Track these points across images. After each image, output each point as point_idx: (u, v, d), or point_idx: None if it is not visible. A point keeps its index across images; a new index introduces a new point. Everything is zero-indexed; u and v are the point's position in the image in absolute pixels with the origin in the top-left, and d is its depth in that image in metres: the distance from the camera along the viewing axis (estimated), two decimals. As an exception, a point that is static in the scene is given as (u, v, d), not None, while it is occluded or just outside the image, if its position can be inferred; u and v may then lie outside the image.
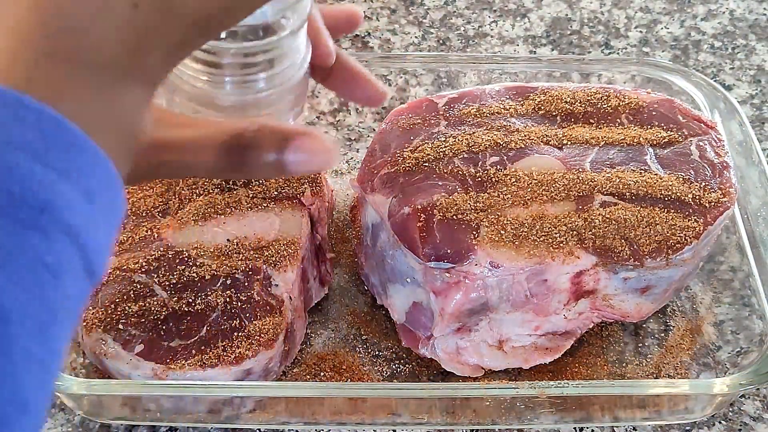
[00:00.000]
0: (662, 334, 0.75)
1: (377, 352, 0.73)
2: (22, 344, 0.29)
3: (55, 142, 0.31)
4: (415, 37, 0.98)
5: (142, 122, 0.37)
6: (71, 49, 0.33)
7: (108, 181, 0.33)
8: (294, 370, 0.72)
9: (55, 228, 0.30)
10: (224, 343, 0.66)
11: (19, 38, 0.32)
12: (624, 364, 0.73)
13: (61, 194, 0.30)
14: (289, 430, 0.69)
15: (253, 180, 0.75)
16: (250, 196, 0.73)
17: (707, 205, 0.69)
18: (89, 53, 0.33)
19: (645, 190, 0.69)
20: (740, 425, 0.70)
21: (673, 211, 0.69)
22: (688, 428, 0.70)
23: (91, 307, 0.67)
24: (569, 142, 0.73)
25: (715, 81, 0.87)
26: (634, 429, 0.70)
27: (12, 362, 0.29)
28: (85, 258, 0.32)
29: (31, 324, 0.30)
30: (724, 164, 0.72)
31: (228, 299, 0.67)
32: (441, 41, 0.98)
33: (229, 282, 0.68)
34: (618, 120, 0.75)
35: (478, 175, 0.70)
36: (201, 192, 0.74)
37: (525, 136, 0.73)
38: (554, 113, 0.75)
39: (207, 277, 0.69)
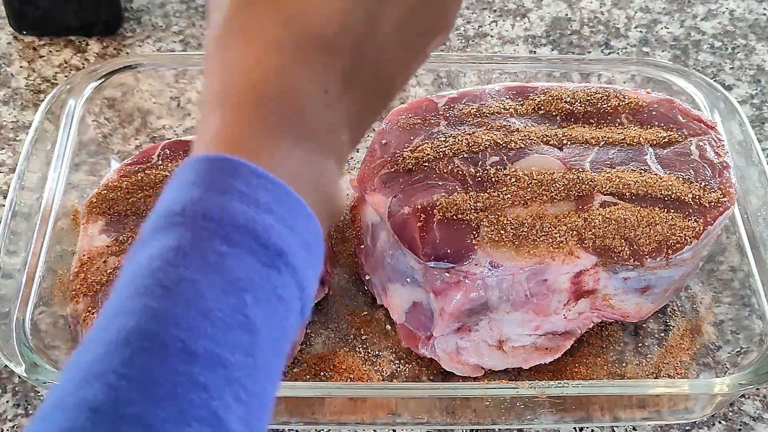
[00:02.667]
0: (662, 334, 0.75)
1: (377, 352, 0.73)
2: (264, 353, 0.38)
3: (286, 205, 0.40)
4: (415, 37, 0.98)
5: (338, 194, 0.45)
6: (286, 128, 0.42)
7: (318, 239, 0.42)
8: (294, 370, 0.72)
9: (286, 269, 0.39)
10: (224, 343, 0.66)
11: (244, 117, 0.41)
12: (624, 364, 0.73)
13: (290, 244, 0.39)
14: (289, 430, 0.69)
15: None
16: (250, 196, 0.73)
17: (707, 205, 0.69)
18: (300, 132, 0.42)
19: (645, 190, 0.69)
20: (740, 425, 0.70)
21: (673, 211, 0.68)
22: (688, 428, 0.70)
23: (91, 307, 0.67)
24: (569, 142, 0.73)
25: (715, 81, 0.87)
26: (634, 429, 0.70)
27: (257, 367, 0.37)
28: (302, 298, 0.40)
29: (270, 340, 0.38)
30: (724, 164, 0.72)
31: (228, 299, 0.67)
32: (441, 41, 0.98)
33: (229, 282, 0.68)
34: (618, 120, 0.75)
35: (478, 175, 0.70)
36: (201, 192, 0.74)
37: (525, 136, 0.73)
38: (554, 113, 0.75)
39: (207, 277, 0.68)
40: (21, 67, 0.94)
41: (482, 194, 0.69)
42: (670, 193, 0.69)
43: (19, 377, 0.71)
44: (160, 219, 0.39)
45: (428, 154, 0.71)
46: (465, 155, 0.71)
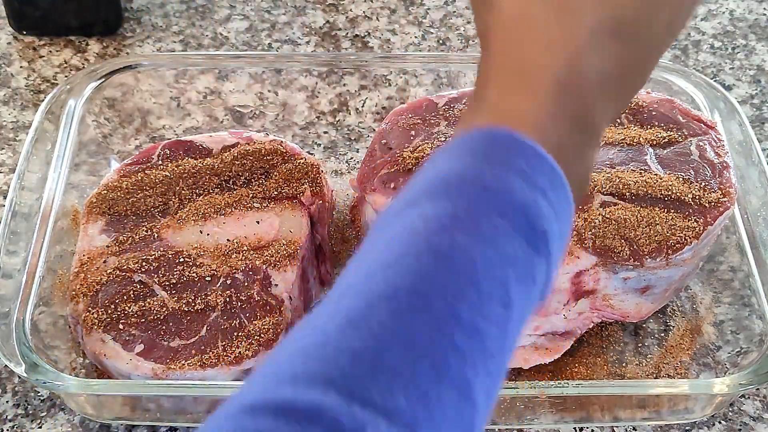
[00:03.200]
0: (662, 334, 0.75)
1: (377, 352, 0.73)
2: (512, 330, 0.39)
3: (557, 192, 0.40)
4: (415, 37, 0.98)
5: (587, 182, 0.45)
6: (575, 116, 0.42)
7: (569, 229, 0.42)
8: (294, 370, 0.71)
9: (544, 253, 0.40)
10: (224, 343, 0.66)
11: (541, 99, 0.41)
12: (624, 364, 0.73)
13: (552, 229, 0.40)
14: (289, 430, 0.69)
15: (253, 180, 0.75)
16: (250, 196, 0.73)
17: (707, 205, 0.69)
18: (585, 122, 0.42)
19: (645, 190, 0.69)
20: (740, 425, 0.70)
21: (673, 211, 0.68)
22: (688, 428, 0.70)
23: (91, 307, 0.67)
24: (569, 142, 0.73)
25: (715, 81, 0.87)
26: (634, 429, 0.70)
27: (505, 342, 0.38)
28: (547, 283, 0.41)
29: (518, 318, 0.39)
30: (724, 164, 0.72)
31: (228, 299, 0.67)
32: (441, 41, 0.98)
33: (229, 282, 0.68)
34: (618, 120, 0.75)
35: (478, 175, 0.70)
36: (201, 192, 0.74)
37: (525, 136, 0.73)
38: (554, 113, 0.75)
39: (207, 277, 0.69)
40: (21, 67, 0.94)
41: (482, 194, 0.68)
42: (670, 193, 0.69)
43: (19, 377, 0.71)
44: (435, 183, 0.40)
45: (428, 154, 0.71)
46: (465, 155, 0.71)
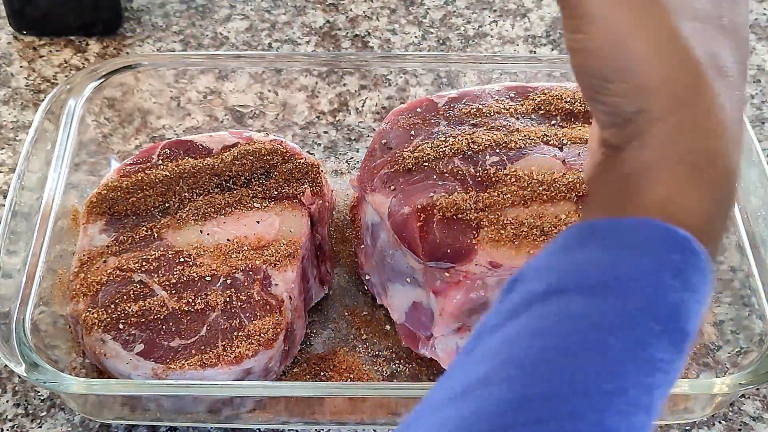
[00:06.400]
0: (662, 334, 0.75)
1: (377, 352, 0.73)
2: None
3: (706, 285, 0.40)
4: (415, 37, 0.98)
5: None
6: (727, 202, 0.42)
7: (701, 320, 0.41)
8: (294, 370, 0.72)
9: (685, 354, 0.39)
10: (224, 342, 0.66)
11: (716, 202, 0.41)
12: (624, 364, 0.72)
13: (695, 325, 0.39)
14: (289, 430, 0.69)
15: (253, 180, 0.75)
16: (250, 196, 0.73)
17: (707, 205, 0.69)
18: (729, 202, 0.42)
19: (645, 190, 0.69)
20: (740, 425, 0.70)
21: (673, 211, 0.68)
22: (688, 428, 0.70)
23: (91, 307, 0.67)
24: (569, 142, 0.73)
25: (715, 81, 0.87)
26: (634, 429, 0.70)
27: None
28: (676, 380, 0.39)
29: (653, 420, 0.37)
30: (724, 164, 0.72)
31: (228, 299, 0.67)
32: (441, 41, 0.98)
33: (229, 282, 0.68)
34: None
35: (478, 174, 0.70)
36: (201, 192, 0.74)
37: (525, 135, 0.73)
38: (554, 113, 0.75)
39: (207, 276, 0.69)
40: (21, 67, 0.94)
41: (482, 194, 0.69)
42: (670, 193, 0.69)
43: (19, 377, 0.71)
44: (580, 275, 0.39)
45: (428, 154, 0.71)
46: (465, 155, 0.71)
